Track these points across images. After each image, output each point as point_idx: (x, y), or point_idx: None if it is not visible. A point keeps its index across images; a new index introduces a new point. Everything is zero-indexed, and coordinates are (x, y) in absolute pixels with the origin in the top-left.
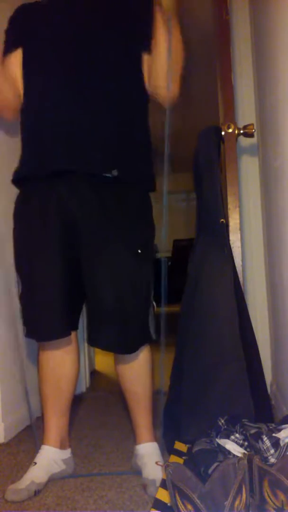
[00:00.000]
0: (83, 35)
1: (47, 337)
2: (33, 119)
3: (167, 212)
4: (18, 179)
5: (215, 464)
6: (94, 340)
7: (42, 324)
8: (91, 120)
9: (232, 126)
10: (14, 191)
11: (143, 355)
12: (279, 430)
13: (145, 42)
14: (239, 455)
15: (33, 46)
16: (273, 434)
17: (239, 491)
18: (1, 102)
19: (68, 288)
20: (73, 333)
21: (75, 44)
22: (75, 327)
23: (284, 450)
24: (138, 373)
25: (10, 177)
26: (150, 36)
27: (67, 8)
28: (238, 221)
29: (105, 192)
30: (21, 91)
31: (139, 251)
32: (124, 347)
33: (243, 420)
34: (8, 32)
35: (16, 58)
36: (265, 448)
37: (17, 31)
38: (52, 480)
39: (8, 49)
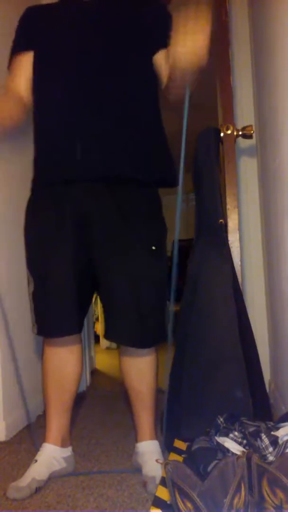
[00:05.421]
0: (98, 40)
1: (57, 334)
2: (49, 126)
3: (180, 211)
4: (34, 185)
5: (214, 462)
6: (112, 335)
7: (53, 320)
8: (108, 124)
9: (231, 128)
10: (15, 190)
11: (149, 353)
12: (278, 429)
13: (160, 40)
14: (238, 453)
15: (46, 52)
16: (272, 433)
17: (238, 489)
18: (5, 118)
19: (80, 288)
20: (80, 332)
21: (89, 49)
22: (81, 327)
23: (282, 448)
24: (143, 371)
25: (13, 175)
26: (164, 33)
27: (79, 12)
28: (237, 221)
29: (120, 191)
30: (29, 98)
31: (154, 248)
32: (141, 341)
33: (242, 418)
34: (19, 31)
35: (27, 60)
36: (263, 446)
37: (29, 33)
38: (53, 478)
39: (19, 49)
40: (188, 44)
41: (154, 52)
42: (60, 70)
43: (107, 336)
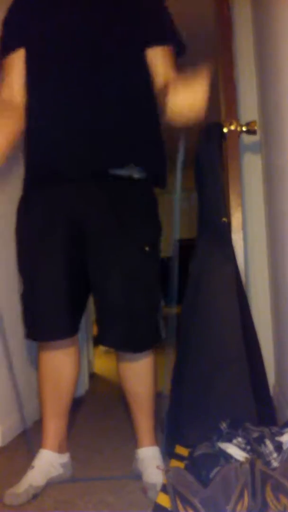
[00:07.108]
0: (90, 32)
1: (52, 337)
2: (40, 123)
3: (178, 211)
4: (25, 184)
5: (217, 469)
6: (102, 339)
7: (47, 323)
8: (102, 121)
9: (234, 123)
10: (12, 191)
11: (146, 356)
12: (282, 434)
13: (154, 35)
14: (241, 459)
15: (37, 46)
16: (276, 438)
17: (241, 495)
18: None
19: (73, 289)
20: (74, 335)
21: (81, 42)
22: (77, 329)
23: (287, 454)
24: (140, 374)
25: (8, 178)
26: (158, 28)
27: (70, 3)
28: (240, 220)
29: (113, 190)
30: (23, 98)
31: (147, 249)
32: (132, 345)
33: (245, 423)
34: (7, 27)
35: (20, 59)
36: (267, 452)
37: (18, 29)
38: (50, 484)
39: (9, 49)
40: (187, 97)
41: (147, 46)
42: (50, 64)
43: (99, 340)
